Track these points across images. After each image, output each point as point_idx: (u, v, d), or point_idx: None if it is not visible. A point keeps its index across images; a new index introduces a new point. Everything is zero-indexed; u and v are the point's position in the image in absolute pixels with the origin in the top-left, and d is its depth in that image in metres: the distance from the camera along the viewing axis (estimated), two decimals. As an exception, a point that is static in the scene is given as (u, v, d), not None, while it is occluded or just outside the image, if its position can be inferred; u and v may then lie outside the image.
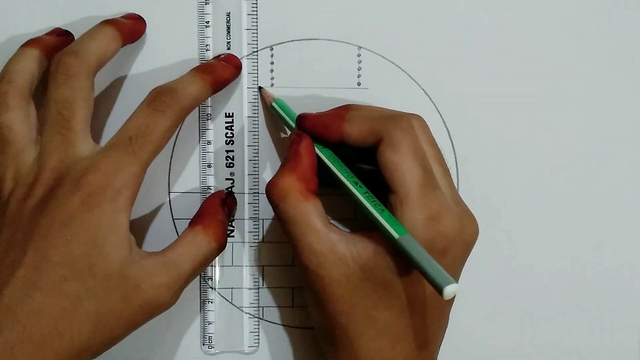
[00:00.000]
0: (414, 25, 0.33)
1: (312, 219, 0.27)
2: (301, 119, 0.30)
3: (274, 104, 0.32)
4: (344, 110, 0.29)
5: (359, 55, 0.33)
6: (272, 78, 0.33)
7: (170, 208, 0.33)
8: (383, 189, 0.28)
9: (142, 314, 0.27)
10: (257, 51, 0.33)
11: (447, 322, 0.30)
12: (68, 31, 0.32)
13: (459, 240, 0.27)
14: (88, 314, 0.25)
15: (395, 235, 0.26)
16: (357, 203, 0.28)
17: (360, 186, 0.28)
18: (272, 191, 0.28)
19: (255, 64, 0.33)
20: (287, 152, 0.29)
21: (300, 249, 0.27)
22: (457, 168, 0.34)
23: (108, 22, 0.30)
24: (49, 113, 0.27)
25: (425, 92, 0.34)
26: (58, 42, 0.31)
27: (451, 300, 0.29)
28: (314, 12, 0.33)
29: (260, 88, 0.33)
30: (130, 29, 0.31)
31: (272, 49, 0.33)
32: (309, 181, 0.28)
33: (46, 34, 0.31)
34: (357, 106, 0.30)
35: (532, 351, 0.34)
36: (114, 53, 0.30)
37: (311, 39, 0.33)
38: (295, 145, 0.29)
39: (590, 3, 0.34)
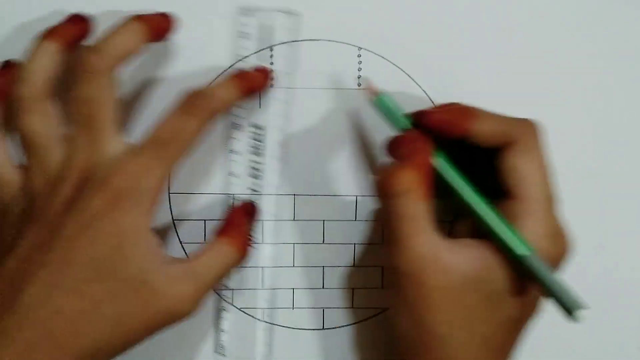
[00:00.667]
0: (415, 26, 0.33)
1: (427, 220, 0.27)
2: (423, 114, 0.29)
3: (384, 97, 0.30)
4: (468, 108, 0.28)
5: (359, 56, 0.33)
6: (272, 78, 0.33)
7: (170, 209, 0.33)
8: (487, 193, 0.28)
9: (162, 322, 0.26)
10: (295, 62, 0.33)
11: None
12: (86, 16, 0.30)
13: (565, 258, 0.28)
14: (107, 317, 0.25)
15: (526, 252, 0.25)
16: (473, 213, 0.27)
17: (482, 196, 0.27)
18: (393, 182, 0.27)
19: (292, 76, 0.33)
20: (404, 149, 0.28)
21: (405, 249, 0.26)
22: (458, 168, 0.34)
23: (136, 18, 0.29)
24: (74, 111, 0.27)
25: (426, 93, 0.34)
26: (76, 31, 0.29)
27: (533, 319, 0.29)
28: (314, 12, 0.33)
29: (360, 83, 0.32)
30: (158, 26, 0.30)
31: (271, 49, 0.33)
32: (429, 182, 0.27)
33: (63, 21, 0.29)
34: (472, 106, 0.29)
35: (532, 351, 0.34)
36: (139, 50, 0.29)
37: (311, 40, 0.33)
38: (418, 143, 0.28)
39: (592, 3, 0.34)
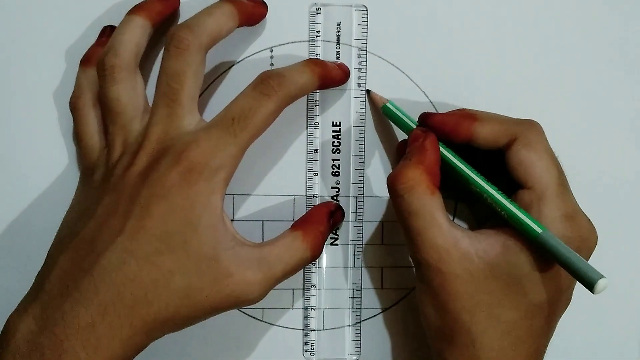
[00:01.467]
0: (415, 27, 0.33)
1: (437, 213, 0.27)
2: (427, 116, 0.30)
3: (388, 104, 0.32)
4: (470, 111, 0.30)
5: (359, 57, 0.33)
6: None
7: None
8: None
9: (228, 303, 0.27)
10: (365, 61, 0.33)
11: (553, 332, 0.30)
12: None
13: (587, 243, 0.28)
14: (177, 289, 0.26)
15: (538, 230, 0.26)
16: (487, 200, 0.28)
17: (493, 185, 0.28)
18: (397, 182, 0.28)
19: (364, 75, 0.33)
20: (409, 148, 0.29)
21: (421, 243, 0.27)
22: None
23: (228, 1, 0.29)
24: (159, 84, 0.28)
25: (425, 94, 0.34)
26: (163, 7, 0.30)
27: (563, 310, 0.29)
28: (314, 13, 0.33)
29: (368, 91, 0.33)
30: (250, 10, 0.30)
31: (271, 50, 0.33)
32: (435, 176, 0.28)
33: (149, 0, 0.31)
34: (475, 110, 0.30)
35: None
36: (230, 31, 0.29)
37: (310, 41, 0.33)
38: (421, 140, 0.29)
39: (591, 4, 0.34)
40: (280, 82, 0.28)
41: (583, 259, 0.25)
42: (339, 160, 0.33)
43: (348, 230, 0.34)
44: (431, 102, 0.34)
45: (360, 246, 0.34)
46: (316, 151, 0.33)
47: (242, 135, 0.27)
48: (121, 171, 0.27)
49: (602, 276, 0.24)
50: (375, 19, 0.33)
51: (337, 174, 0.33)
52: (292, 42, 0.33)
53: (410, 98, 0.33)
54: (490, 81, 0.34)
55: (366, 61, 0.33)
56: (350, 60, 0.33)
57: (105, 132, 0.29)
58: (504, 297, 0.27)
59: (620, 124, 0.34)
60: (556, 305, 0.28)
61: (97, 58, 0.29)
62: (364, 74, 0.33)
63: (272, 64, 0.33)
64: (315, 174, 0.33)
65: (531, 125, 0.29)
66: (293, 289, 0.34)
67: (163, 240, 0.26)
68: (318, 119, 0.33)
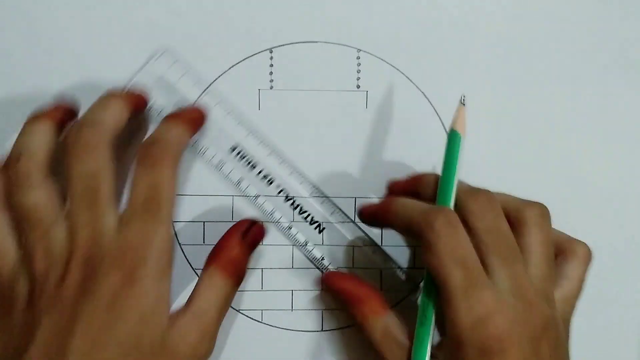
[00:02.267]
0: (414, 28, 0.33)
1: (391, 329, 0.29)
2: (360, 212, 0.31)
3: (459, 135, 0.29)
4: (389, 201, 0.29)
5: (358, 57, 0.33)
6: (272, 80, 0.33)
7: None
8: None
9: None
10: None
11: None
12: (72, 101, 0.30)
13: (518, 336, 0.25)
14: None
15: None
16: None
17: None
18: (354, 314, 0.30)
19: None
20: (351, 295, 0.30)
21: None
22: (456, 169, 0.34)
23: (114, 94, 0.29)
24: (74, 188, 0.26)
25: (425, 95, 0.34)
26: (65, 113, 0.30)
27: None
28: (314, 14, 0.33)
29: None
30: (137, 101, 0.30)
31: (271, 52, 0.33)
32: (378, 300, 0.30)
33: (51, 107, 0.30)
34: (400, 199, 0.29)
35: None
36: (124, 123, 0.29)
37: (310, 42, 0.33)
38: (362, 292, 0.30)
39: (591, 5, 0.34)
40: (160, 147, 0.27)
41: None
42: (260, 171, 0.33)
43: (348, 230, 0.34)
44: (431, 104, 0.34)
45: (359, 247, 0.34)
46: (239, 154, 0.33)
47: (161, 214, 0.26)
48: (53, 286, 0.25)
49: None
50: (374, 21, 0.33)
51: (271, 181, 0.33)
52: (292, 43, 0.33)
53: (409, 99, 0.33)
54: (490, 82, 0.34)
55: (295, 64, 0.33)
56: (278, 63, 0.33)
57: (20, 242, 0.27)
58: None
59: (620, 125, 0.34)
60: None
61: (4, 169, 0.27)
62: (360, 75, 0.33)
63: (271, 65, 0.33)
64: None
65: (429, 223, 0.26)
66: (292, 290, 0.34)
67: (116, 346, 0.25)
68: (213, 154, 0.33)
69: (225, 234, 0.30)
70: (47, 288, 0.25)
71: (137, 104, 0.31)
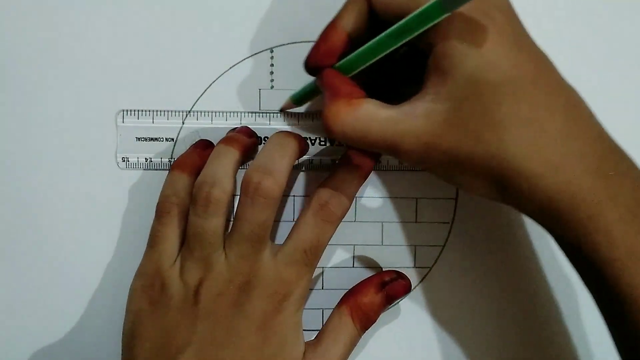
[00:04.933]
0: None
1: (372, 115, 0.26)
2: (309, 60, 0.29)
3: (292, 96, 0.32)
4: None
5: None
6: (272, 80, 0.33)
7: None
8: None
9: None
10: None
11: None
12: (254, 132, 0.33)
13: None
14: None
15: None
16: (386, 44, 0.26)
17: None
18: (329, 123, 0.27)
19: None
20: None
21: (397, 149, 0.26)
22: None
23: (288, 135, 0.30)
24: (242, 228, 0.28)
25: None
26: (251, 144, 0.32)
27: None
28: (314, 14, 0.33)
29: (281, 110, 0.33)
30: (304, 147, 0.31)
31: (272, 51, 0.33)
32: (351, 93, 0.27)
33: (237, 132, 0.32)
34: None
35: (532, 350, 0.34)
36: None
37: (311, 42, 0.33)
38: (319, 81, 0.29)
39: (591, 5, 0.34)
40: (339, 205, 0.29)
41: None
42: None
43: (349, 230, 0.34)
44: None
45: (360, 246, 0.34)
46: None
47: (314, 263, 0.29)
48: (211, 299, 0.28)
49: None
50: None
51: None
52: (293, 43, 0.33)
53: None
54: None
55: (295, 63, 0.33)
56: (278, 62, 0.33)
57: (185, 252, 0.29)
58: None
59: (621, 125, 0.34)
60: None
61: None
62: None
63: (272, 64, 0.33)
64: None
65: None
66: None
67: None
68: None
69: (367, 278, 0.32)
70: (203, 299, 0.28)
71: (304, 149, 0.31)
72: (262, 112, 0.33)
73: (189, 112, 0.33)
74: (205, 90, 0.33)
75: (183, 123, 0.33)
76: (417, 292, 0.34)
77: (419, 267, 0.34)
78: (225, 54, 0.33)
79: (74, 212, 0.33)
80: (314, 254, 0.29)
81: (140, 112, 0.33)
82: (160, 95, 0.33)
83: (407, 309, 0.34)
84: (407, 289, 0.31)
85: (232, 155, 0.30)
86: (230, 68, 0.33)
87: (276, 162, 0.29)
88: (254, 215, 0.28)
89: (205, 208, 0.28)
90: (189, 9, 0.33)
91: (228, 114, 0.33)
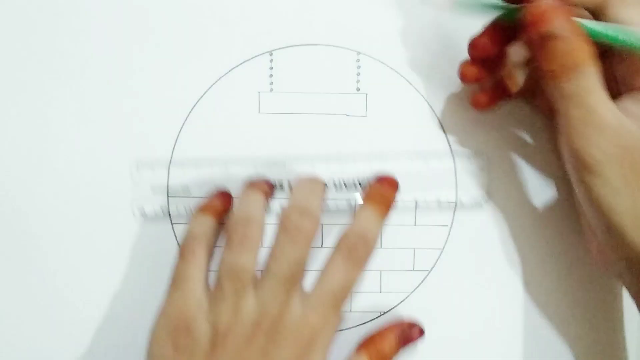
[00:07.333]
0: (413, 32, 0.33)
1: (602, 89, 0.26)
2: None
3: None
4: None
5: (358, 60, 0.33)
6: (271, 83, 0.33)
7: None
8: None
9: None
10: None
11: None
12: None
13: None
14: None
15: None
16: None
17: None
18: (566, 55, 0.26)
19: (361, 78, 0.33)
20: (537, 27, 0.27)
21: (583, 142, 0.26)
22: (455, 172, 0.34)
23: (319, 177, 0.31)
24: (281, 266, 0.28)
25: (424, 98, 0.34)
26: (271, 192, 0.33)
27: None
28: (314, 17, 0.33)
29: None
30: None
31: (271, 54, 0.33)
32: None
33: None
34: None
35: (531, 353, 0.34)
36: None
37: (310, 45, 0.33)
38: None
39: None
40: (366, 247, 0.29)
41: None
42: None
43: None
44: (430, 107, 0.34)
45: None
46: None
47: (342, 307, 0.29)
48: (240, 341, 0.28)
49: None
50: (374, 24, 0.33)
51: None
52: (292, 46, 0.33)
53: (409, 102, 0.34)
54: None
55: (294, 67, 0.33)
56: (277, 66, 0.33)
57: (213, 291, 0.29)
58: None
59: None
60: None
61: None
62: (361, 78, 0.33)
63: (271, 67, 0.33)
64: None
65: None
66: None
67: None
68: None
69: (386, 326, 0.32)
70: (231, 342, 0.28)
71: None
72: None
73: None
74: (205, 93, 0.33)
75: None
76: (415, 295, 0.34)
77: (417, 270, 0.34)
78: (224, 56, 0.33)
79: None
80: (339, 299, 0.29)
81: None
82: (160, 97, 0.33)
83: (406, 312, 0.34)
84: (420, 335, 0.32)
85: (260, 197, 0.31)
86: (230, 71, 0.33)
87: (311, 201, 0.29)
88: (292, 252, 0.28)
89: (241, 243, 0.28)
90: (188, 12, 0.33)
91: (227, 116, 0.33)
